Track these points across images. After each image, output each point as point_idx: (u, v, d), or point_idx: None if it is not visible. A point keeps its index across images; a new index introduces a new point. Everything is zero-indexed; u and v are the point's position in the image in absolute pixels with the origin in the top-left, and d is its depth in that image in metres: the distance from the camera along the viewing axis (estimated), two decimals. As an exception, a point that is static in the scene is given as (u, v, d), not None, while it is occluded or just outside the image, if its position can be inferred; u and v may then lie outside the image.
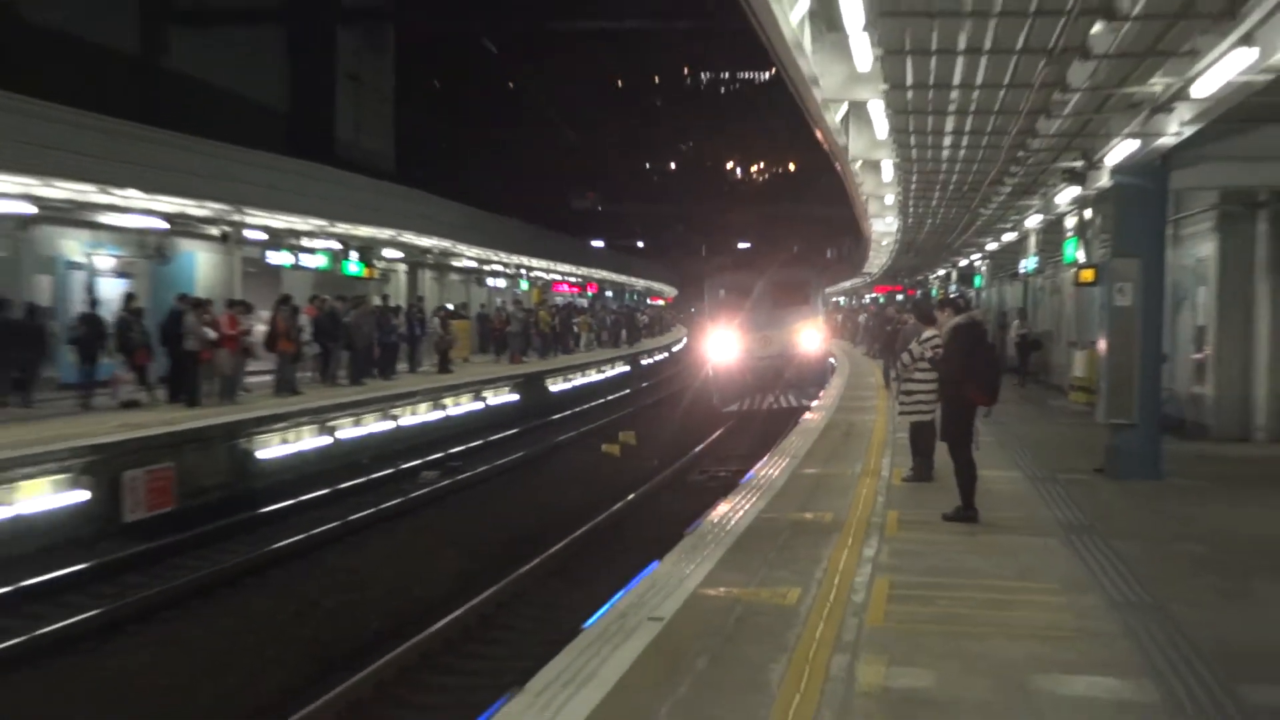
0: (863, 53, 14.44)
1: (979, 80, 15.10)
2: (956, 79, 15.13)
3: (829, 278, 68.21)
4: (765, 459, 20.91)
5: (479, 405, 38.17)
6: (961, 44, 13.24)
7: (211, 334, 26.80)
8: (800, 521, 14.59)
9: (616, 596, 11.24)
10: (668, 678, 8.50)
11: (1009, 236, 39.44)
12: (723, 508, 15.73)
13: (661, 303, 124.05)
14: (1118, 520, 14.89)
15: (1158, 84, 14.82)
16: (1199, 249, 25.97)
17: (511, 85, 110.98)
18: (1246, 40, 11.89)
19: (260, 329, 30.46)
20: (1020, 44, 12.96)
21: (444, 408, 35.46)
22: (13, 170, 24.30)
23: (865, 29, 13.08)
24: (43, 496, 19.04)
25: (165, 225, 31.80)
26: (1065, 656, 9.10)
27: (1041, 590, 11.27)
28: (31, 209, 26.64)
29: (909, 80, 15.38)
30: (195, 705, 12.47)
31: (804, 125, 22.95)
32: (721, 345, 38.67)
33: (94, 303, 28.69)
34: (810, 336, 38.50)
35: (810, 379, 37.81)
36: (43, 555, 18.26)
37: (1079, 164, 20.74)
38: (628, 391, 54.56)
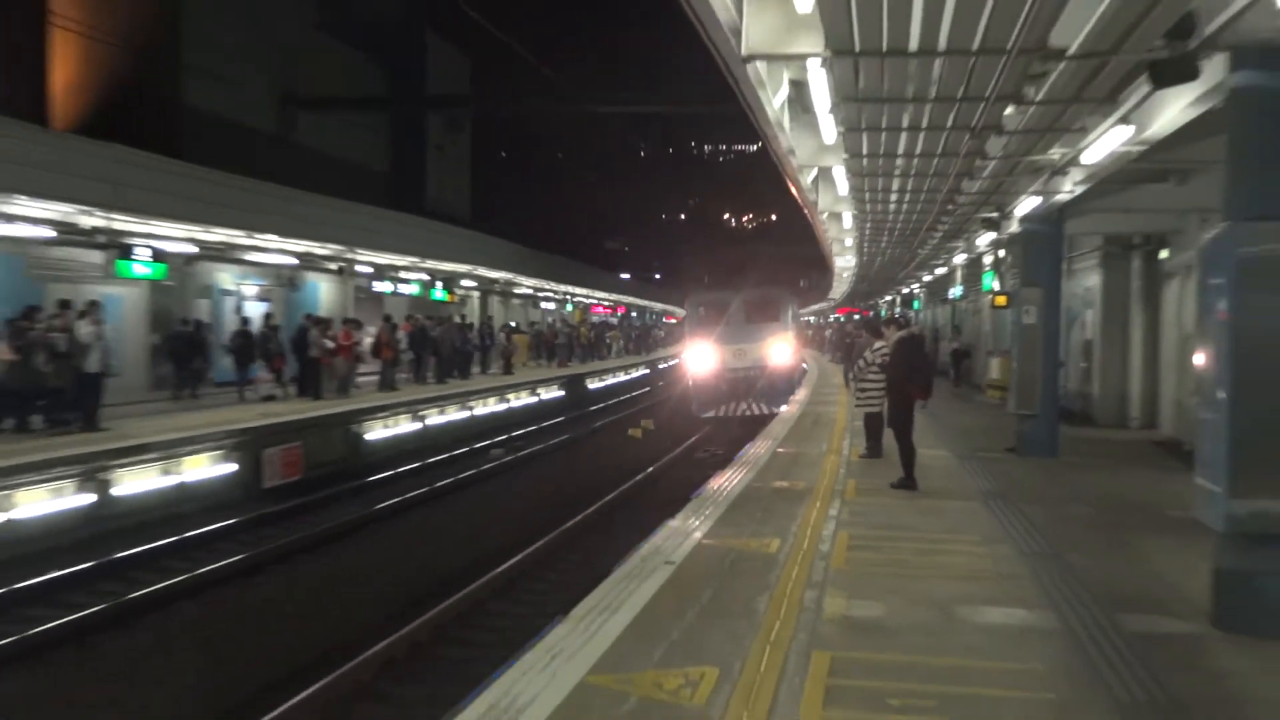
0: (828, 130, 14.41)
1: (918, 150, 15.05)
2: (900, 149, 15.08)
3: (801, 298, 57.04)
4: (753, 441, 20.86)
5: (534, 399, 38.16)
6: (905, 122, 13.19)
7: (330, 344, 26.98)
8: (780, 489, 14.58)
9: (640, 546, 11.24)
10: (679, 607, 8.52)
11: (941, 270, 39.43)
12: (720, 478, 15.72)
13: (673, 321, 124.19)
14: (1024, 488, 14.86)
15: (1055, 153, 14.77)
16: (1087, 280, 26.05)
17: (560, 155, 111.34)
18: (1124, 120, 11.84)
19: (368, 340, 30.68)
20: (950, 122, 12.90)
21: (507, 400, 35.45)
22: (181, 220, 24.47)
23: (830, 111, 13.05)
24: (202, 468, 19.16)
25: (295, 261, 32.02)
26: (984, 592, 9.12)
27: (966, 541, 11.27)
28: (194, 249, 26.77)
29: (864, 150, 15.33)
30: (319, 623, 12.55)
31: (783, 185, 22.92)
32: (700, 358, 32.62)
33: (245, 321, 29.12)
34: (781, 350, 32.29)
35: (781, 389, 31.78)
36: (203, 513, 18.37)
37: (995, 215, 20.69)
38: (647, 389, 54.51)
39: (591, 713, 6.30)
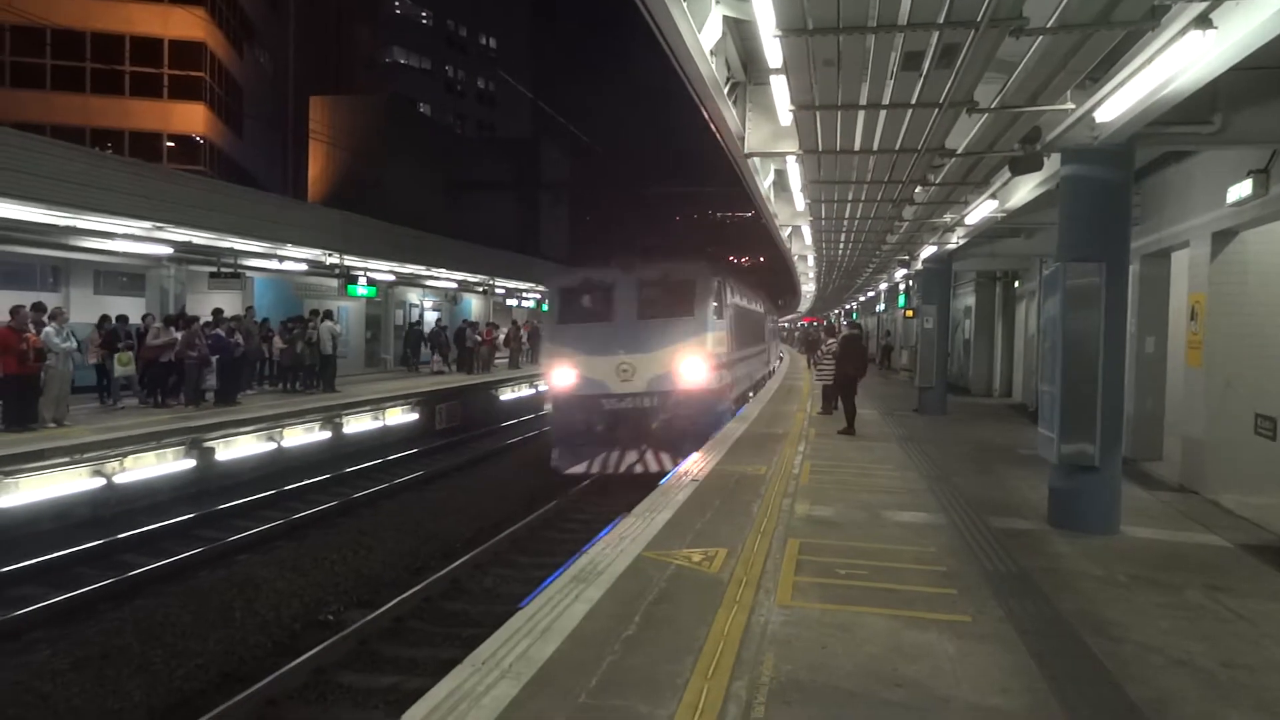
0: (799, 201, 14.32)
1: (859, 215, 14.92)
2: (846, 214, 14.96)
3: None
4: (748, 402, 20.73)
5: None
6: (850, 197, 13.09)
7: (479, 338, 27.17)
8: (766, 434, 14.50)
9: (675, 469, 11.24)
10: (701, 508, 8.51)
11: (871, 293, 39.06)
12: (727, 427, 15.66)
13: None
14: (925, 434, 14.71)
15: (947, 218, 14.57)
16: (966, 300, 25.70)
17: (626, 217, 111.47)
18: (993, 196, 11.67)
19: (501, 336, 30.86)
20: (879, 197, 12.79)
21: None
22: (385, 259, 24.72)
23: (801, 190, 12.97)
24: (399, 416, 19.36)
25: (455, 286, 32.21)
26: (899, 501, 9.03)
27: (887, 468, 11.17)
28: (393, 277, 27.04)
29: (822, 215, 15.23)
30: (472, 514, 12.62)
31: (769, 238, 22.78)
32: (563, 377, 14.13)
33: (437, 322, 29.87)
34: (695, 365, 13.84)
35: (695, 430, 13.66)
36: (399, 444, 18.59)
37: (907, 257, 20.47)
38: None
39: (647, 574, 6.32)
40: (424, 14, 70.00)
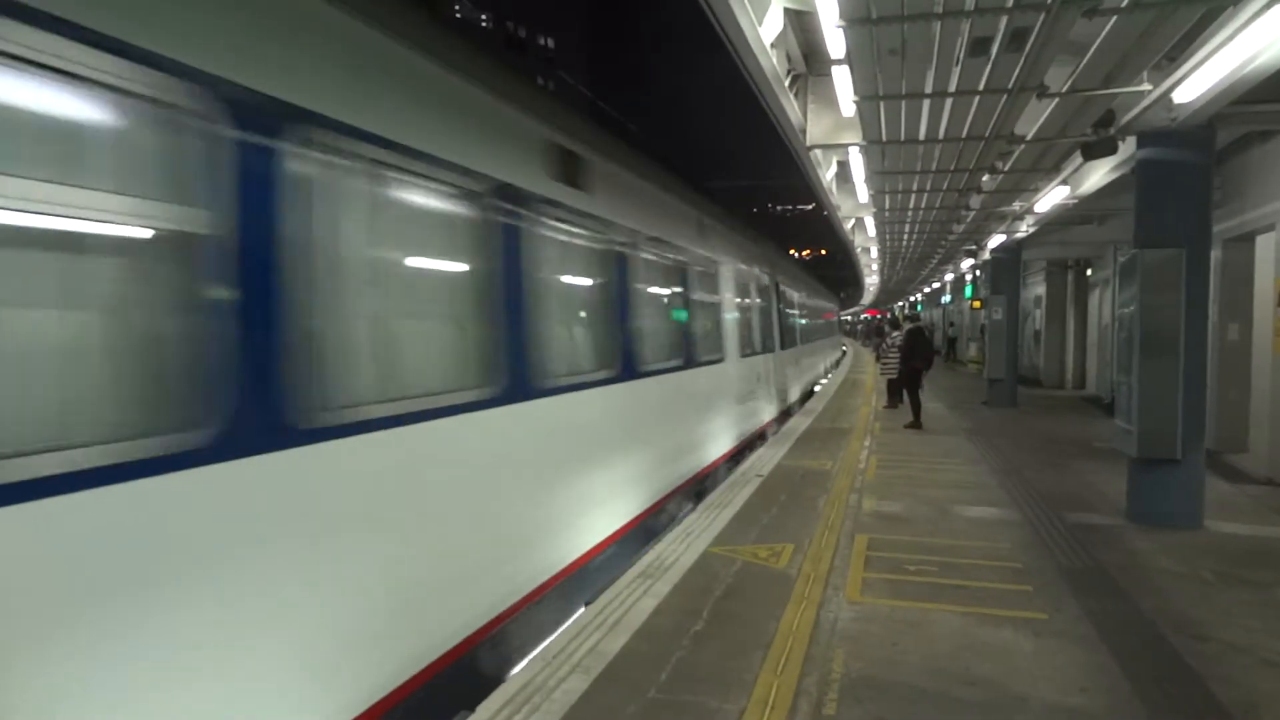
0: (863, 193, 14.14)
1: (923, 205, 14.64)
2: (911, 205, 14.69)
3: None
4: (813, 396, 20.56)
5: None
6: (914, 187, 12.85)
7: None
8: (831, 429, 14.37)
9: (741, 464, 11.20)
10: (767, 504, 8.48)
11: (936, 284, 38.34)
12: (791, 421, 15.56)
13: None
14: (994, 428, 14.39)
15: (1016, 206, 14.21)
16: (1036, 290, 25.08)
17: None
18: (1064, 182, 11.36)
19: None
20: (945, 186, 12.52)
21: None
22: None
23: (865, 181, 12.79)
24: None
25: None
26: (968, 496, 8.85)
27: (955, 463, 10.96)
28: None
29: (886, 206, 14.97)
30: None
31: (831, 230, 22.51)
32: None
33: None
34: None
35: None
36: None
37: (974, 247, 20.01)
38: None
39: (713, 570, 6.32)
40: (483, 16, 71.05)
